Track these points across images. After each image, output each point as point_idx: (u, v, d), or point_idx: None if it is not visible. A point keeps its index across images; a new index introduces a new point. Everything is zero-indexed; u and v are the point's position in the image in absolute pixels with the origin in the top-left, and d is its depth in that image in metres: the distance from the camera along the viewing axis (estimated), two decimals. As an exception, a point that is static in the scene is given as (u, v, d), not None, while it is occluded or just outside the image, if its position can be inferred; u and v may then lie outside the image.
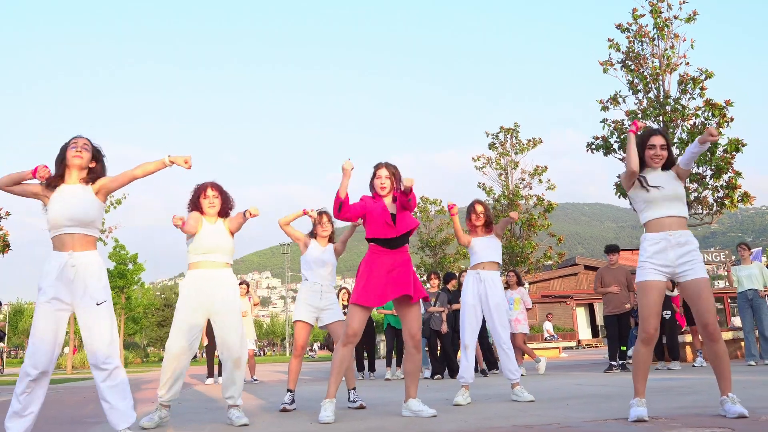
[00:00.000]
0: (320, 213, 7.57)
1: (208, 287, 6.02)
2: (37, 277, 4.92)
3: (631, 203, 5.57)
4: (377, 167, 6.08)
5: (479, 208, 7.48)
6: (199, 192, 6.32)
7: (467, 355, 7.17)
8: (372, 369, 14.91)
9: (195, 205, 6.31)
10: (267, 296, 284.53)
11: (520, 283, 13.77)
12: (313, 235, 7.53)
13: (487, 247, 7.29)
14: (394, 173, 6.06)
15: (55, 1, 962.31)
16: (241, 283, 15.18)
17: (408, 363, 6.09)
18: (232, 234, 6.34)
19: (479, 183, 30.67)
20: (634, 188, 5.31)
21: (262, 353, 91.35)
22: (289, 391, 7.22)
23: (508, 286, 13.78)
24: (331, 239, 7.60)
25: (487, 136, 30.84)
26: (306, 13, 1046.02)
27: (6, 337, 37.01)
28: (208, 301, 6.01)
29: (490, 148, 30.85)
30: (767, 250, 60.03)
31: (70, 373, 27.01)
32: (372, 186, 6.09)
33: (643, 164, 5.33)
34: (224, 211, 6.39)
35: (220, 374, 14.35)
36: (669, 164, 5.34)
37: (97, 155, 5.23)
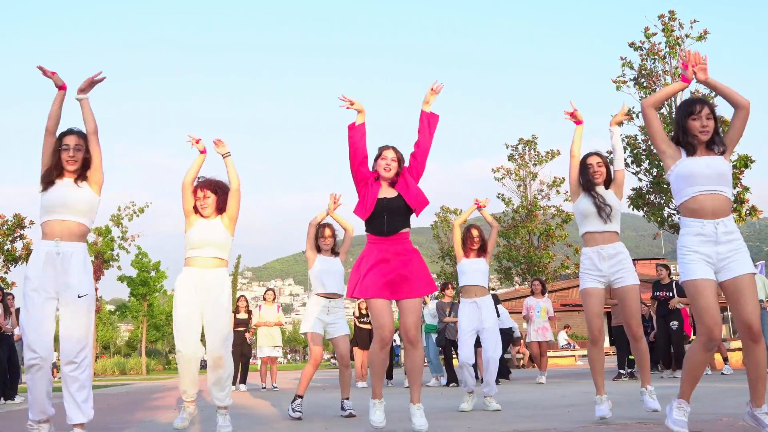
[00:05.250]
0: (322, 226, 7.71)
1: (201, 288, 5.88)
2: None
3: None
4: (384, 148, 5.70)
5: (475, 233, 7.83)
6: (194, 191, 6.10)
7: (468, 370, 7.61)
8: (389, 377, 15.09)
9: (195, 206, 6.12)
10: (290, 303, 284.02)
11: (544, 292, 13.95)
12: (317, 249, 7.67)
13: (476, 270, 7.68)
14: (401, 159, 5.65)
15: (77, 13, 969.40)
16: (268, 290, 15.53)
17: (406, 361, 5.65)
18: (234, 220, 6.13)
19: (498, 194, 31.02)
20: (578, 199, 6.06)
21: (284, 360, 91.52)
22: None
23: (533, 293, 14.03)
24: (333, 252, 7.71)
25: (507, 147, 31.19)
26: (334, 22, 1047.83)
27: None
28: (199, 300, 5.87)
29: (509, 160, 31.18)
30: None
31: (92, 380, 27.35)
32: (375, 166, 5.67)
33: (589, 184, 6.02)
34: (221, 206, 6.13)
35: (243, 381, 14.66)
36: (607, 183, 6.04)
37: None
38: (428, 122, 5.65)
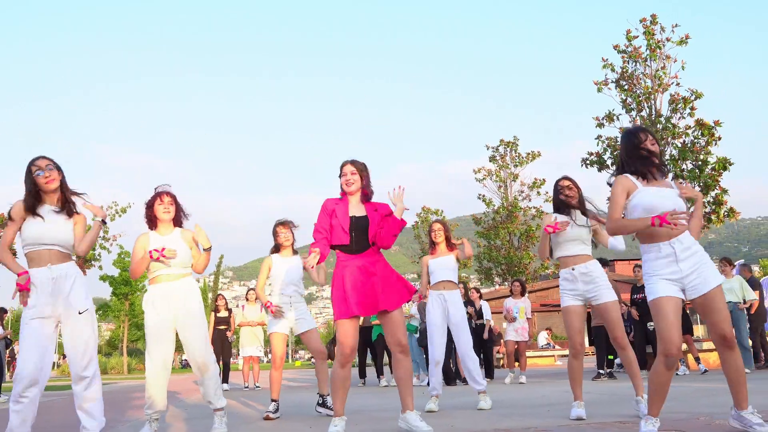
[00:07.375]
0: (280, 223, 7.70)
1: (170, 301, 5.79)
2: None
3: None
4: (343, 164, 5.72)
5: (436, 226, 7.94)
6: (154, 199, 6.02)
7: (436, 371, 7.65)
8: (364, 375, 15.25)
9: (150, 211, 6.01)
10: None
11: (523, 293, 13.93)
12: (276, 249, 7.69)
13: (445, 267, 7.74)
14: (362, 170, 5.69)
15: (77, 13, 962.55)
16: (250, 290, 15.55)
17: (398, 370, 5.60)
18: (196, 244, 6.05)
19: (479, 194, 31.12)
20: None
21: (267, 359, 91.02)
22: (273, 401, 7.35)
23: (512, 294, 14.04)
24: (294, 250, 7.72)
25: (488, 149, 31.30)
26: (334, 22, 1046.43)
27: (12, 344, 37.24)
28: (171, 315, 5.79)
29: (490, 161, 31.29)
30: (761, 263, 60.53)
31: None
32: (340, 185, 5.71)
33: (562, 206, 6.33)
34: (179, 220, 6.11)
35: (225, 381, 14.63)
36: (581, 208, 6.27)
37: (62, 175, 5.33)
38: (395, 226, 5.57)
